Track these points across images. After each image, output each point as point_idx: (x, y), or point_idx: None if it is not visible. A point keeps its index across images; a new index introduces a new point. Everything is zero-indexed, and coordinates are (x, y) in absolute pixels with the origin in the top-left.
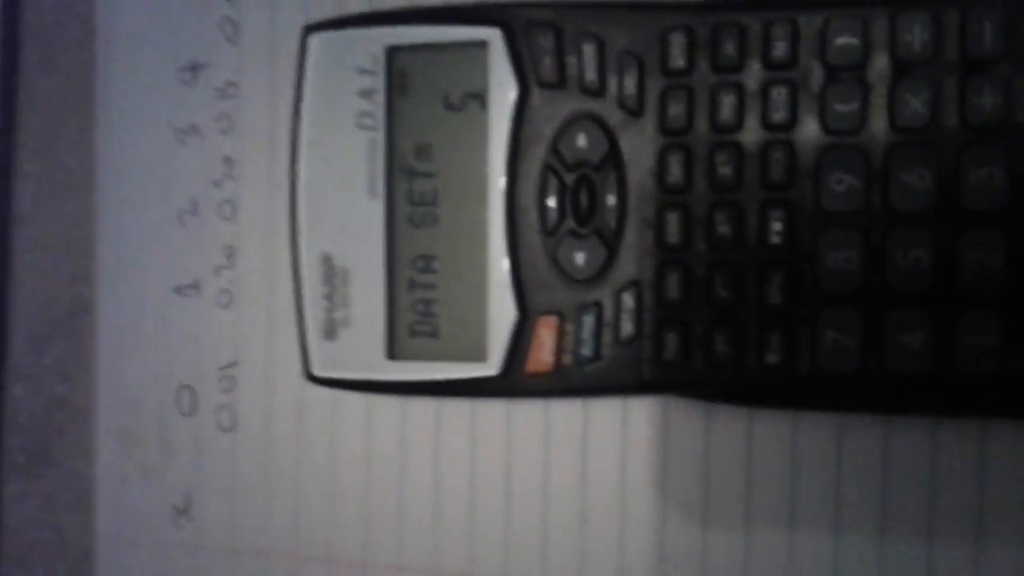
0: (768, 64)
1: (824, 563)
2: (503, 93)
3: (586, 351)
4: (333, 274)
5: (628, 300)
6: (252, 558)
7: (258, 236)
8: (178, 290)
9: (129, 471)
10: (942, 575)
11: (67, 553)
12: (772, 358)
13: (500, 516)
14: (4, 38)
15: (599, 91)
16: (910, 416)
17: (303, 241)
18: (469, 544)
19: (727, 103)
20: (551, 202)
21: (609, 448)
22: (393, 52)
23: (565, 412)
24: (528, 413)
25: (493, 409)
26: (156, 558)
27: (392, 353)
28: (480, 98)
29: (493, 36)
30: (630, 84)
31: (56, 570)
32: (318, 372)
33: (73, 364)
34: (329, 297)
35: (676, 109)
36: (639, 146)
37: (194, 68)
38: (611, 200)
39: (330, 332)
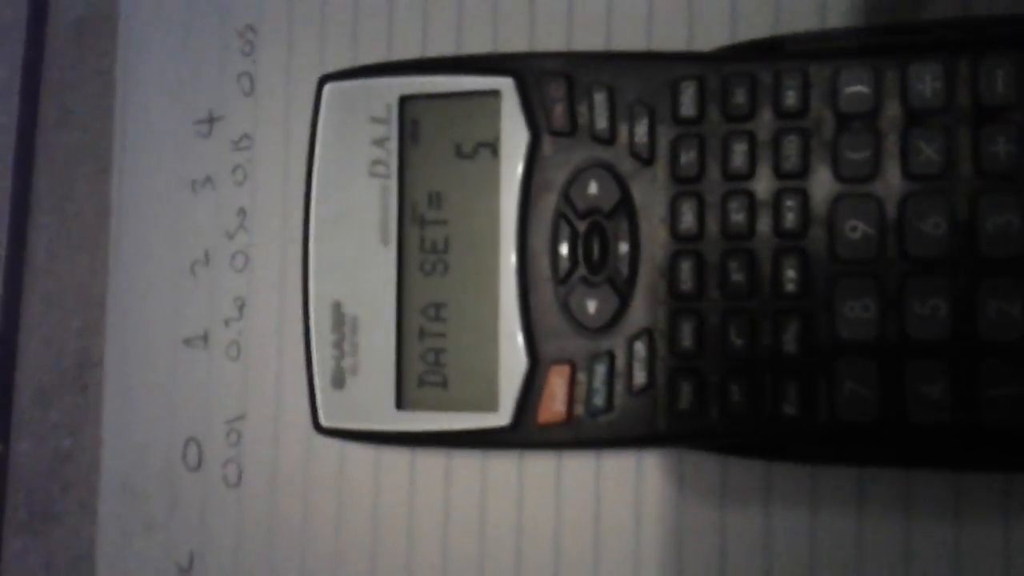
0: (779, 113)
1: None
2: (515, 141)
3: (598, 401)
4: (343, 322)
5: (640, 349)
6: None
7: (269, 288)
8: (187, 341)
9: (133, 527)
10: None
11: None
12: (789, 409)
13: (510, 573)
14: (23, 93)
15: (610, 139)
16: (932, 469)
17: (313, 287)
18: None
19: (739, 151)
20: (563, 250)
21: (623, 503)
22: (406, 101)
23: (578, 464)
24: (540, 465)
25: (504, 461)
26: None
27: (401, 403)
28: (491, 147)
29: (505, 85)
30: (641, 132)
31: None
32: (326, 422)
33: (80, 418)
34: (338, 345)
35: (687, 157)
36: (651, 194)
37: (211, 120)
38: (623, 248)
39: (338, 381)
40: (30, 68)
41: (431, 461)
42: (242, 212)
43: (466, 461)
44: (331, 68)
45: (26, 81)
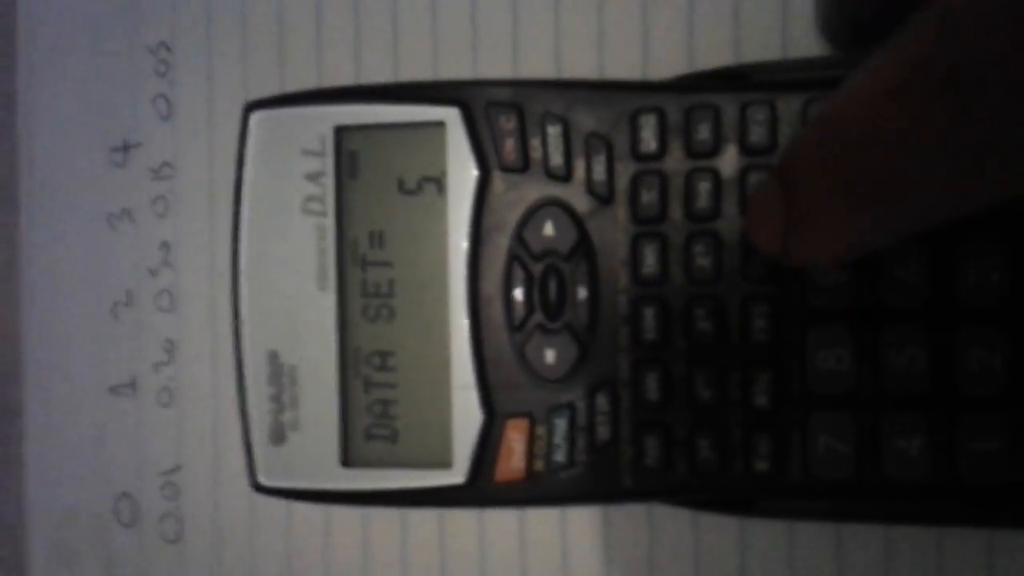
0: (745, 149)
1: None
2: (462, 177)
3: (559, 457)
4: (280, 373)
5: (603, 401)
6: None
7: (200, 328)
8: (113, 390)
9: None
10: None
11: None
12: (761, 465)
13: None
14: None
15: (566, 176)
16: (912, 526)
17: (246, 337)
18: None
19: (703, 190)
20: (518, 294)
21: (590, 558)
22: (342, 132)
23: (542, 519)
24: (502, 521)
25: (463, 516)
26: None
27: (346, 459)
28: (437, 182)
29: (451, 116)
30: (599, 169)
31: None
32: (265, 481)
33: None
34: (276, 398)
35: (649, 196)
36: (610, 235)
37: (126, 148)
38: (582, 293)
39: (278, 436)
40: None
41: (385, 514)
42: (165, 246)
43: (423, 515)
44: (254, 84)
45: None
